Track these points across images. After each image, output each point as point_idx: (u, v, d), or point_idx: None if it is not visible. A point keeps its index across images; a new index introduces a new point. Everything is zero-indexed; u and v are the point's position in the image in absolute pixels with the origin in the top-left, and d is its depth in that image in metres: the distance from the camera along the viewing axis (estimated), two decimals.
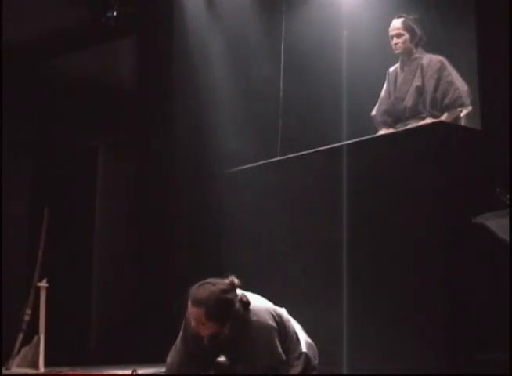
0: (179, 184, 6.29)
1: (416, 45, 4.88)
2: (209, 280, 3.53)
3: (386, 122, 4.97)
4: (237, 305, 3.48)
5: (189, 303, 3.46)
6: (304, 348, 3.58)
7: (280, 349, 3.45)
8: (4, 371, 5.05)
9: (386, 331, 4.04)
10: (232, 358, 3.53)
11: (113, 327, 6.44)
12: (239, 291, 3.56)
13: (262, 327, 3.45)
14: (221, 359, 3.58)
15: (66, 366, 5.23)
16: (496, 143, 4.29)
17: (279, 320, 3.53)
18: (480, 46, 4.65)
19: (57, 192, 6.72)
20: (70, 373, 5.01)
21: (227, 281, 3.51)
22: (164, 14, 6.54)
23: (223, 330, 3.48)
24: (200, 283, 3.52)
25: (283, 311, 3.69)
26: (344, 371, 4.08)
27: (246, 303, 3.50)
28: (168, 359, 3.69)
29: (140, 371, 4.42)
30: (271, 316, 3.50)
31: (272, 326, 3.47)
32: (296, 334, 3.62)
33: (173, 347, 3.69)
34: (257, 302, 3.57)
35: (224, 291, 3.45)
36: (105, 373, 4.91)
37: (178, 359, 3.63)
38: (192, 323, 3.48)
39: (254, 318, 3.47)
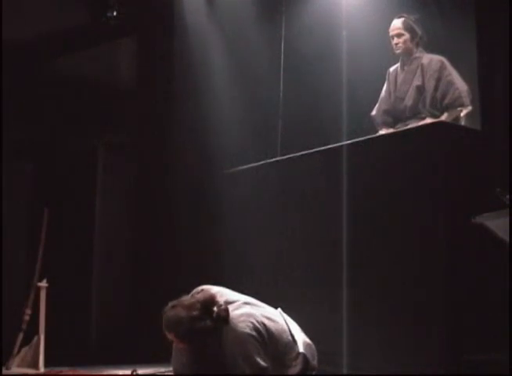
0: (179, 184, 6.29)
1: (417, 45, 4.88)
2: (183, 300, 3.52)
3: (386, 122, 4.97)
4: (210, 325, 3.43)
5: (163, 324, 3.48)
6: (301, 349, 3.55)
7: (258, 357, 3.39)
8: (4, 371, 5.05)
9: (386, 331, 4.04)
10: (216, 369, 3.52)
11: (113, 327, 6.44)
12: (221, 295, 3.56)
13: (237, 336, 3.42)
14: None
15: (66, 366, 5.23)
16: (496, 143, 4.29)
17: (259, 327, 3.46)
18: (480, 46, 4.65)
19: (57, 192, 6.71)
20: (70, 373, 5.01)
21: (201, 303, 3.46)
22: (164, 14, 6.53)
23: (199, 347, 3.49)
24: (172, 304, 3.51)
25: (275, 312, 3.67)
26: (344, 371, 4.08)
27: (224, 317, 3.46)
28: (174, 362, 3.67)
29: (140, 371, 4.43)
30: (249, 324, 3.44)
31: (246, 334, 3.41)
32: (292, 335, 3.60)
33: (173, 350, 3.67)
34: (239, 310, 3.52)
35: (193, 319, 3.42)
36: (105, 373, 4.91)
37: (186, 358, 3.60)
38: (169, 339, 3.52)
39: (230, 329, 3.44)
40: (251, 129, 6.02)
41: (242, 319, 3.47)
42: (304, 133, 5.80)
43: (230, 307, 3.52)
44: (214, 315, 3.46)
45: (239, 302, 3.61)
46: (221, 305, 3.50)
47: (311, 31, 5.96)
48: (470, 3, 4.85)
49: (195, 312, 3.44)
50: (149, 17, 6.66)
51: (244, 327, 3.43)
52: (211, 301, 3.51)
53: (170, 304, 3.52)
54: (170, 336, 3.49)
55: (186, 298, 3.54)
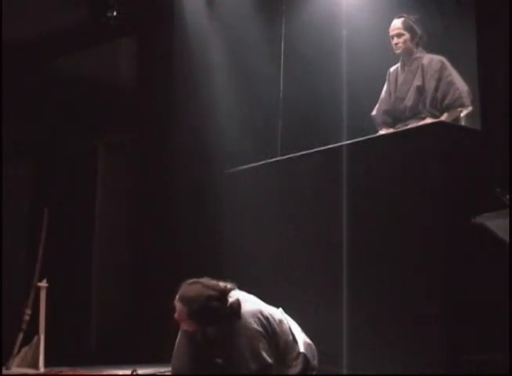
0: (179, 184, 6.29)
1: (417, 45, 4.88)
2: (204, 280, 3.56)
3: (386, 122, 4.97)
4: (223, 311, 3.47)
5: (177, 296, 3.50)
6: (301, 349, 3.57)
7: (264, 353, 3.42)
8: (4, 371, 5.05)
9: (386, 331, 4.04)
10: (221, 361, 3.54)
11: (113, 327, 6.44)
12: (234, 293, 3.57)
13: (245, 331, 3.44)
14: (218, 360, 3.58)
15: (66, 366, 5.23)
16: (496, 143, 4.29)
17: (266, 323, 3.50)
18: (480, 46, 4.64)
19: (57, 192, 6.71)
20: (70, 373, 5.01)
21: (221, 287, 3.52)
22: (164, 14, 6.53)
23: (205, 331, 3.51)
24: (194, 280, 3.56)
25: (277, 312, 3.68)
26: (344, 371, 4.08)
27: (235, 310, 3.50)
28: (175, 361, 3.66)
29: (140, 371, 4.43)
30: (256, 320, 3.48)
31: (255, 329, 3.45)
32: (293, 334, 3.61)
33: (175, 349, 3.67)
34: (246, 306, 3.55)
35: (211, 298, 3.46)
36: (105, 373, 4.91)
37: (188, 357, 3.59)
38: (176, 315, 3.51)
39: (238, 323, 3.46)
40: (251, 129, 6.02)
41: (250, 314, 3.50)
42: (304, 133, 5.80)
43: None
44: (228, 304, 3.49)
45: (245, 299, 3.62)
46: (235, 299, 3.53)
47: (311, 31, 5.95)
48: (470, 3, 4.85)
49: (213, 293, 3.48)
50: (149, 17, 6.66)
51: (251, 322, 3.47)
52: (229, 291, 3.55)
53: (189, 280, 3.55)
54: (181, 312, 3.48)
55: (208, 279, 3.57)
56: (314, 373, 3.62)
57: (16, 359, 5.24)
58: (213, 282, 3.55)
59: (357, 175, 4.34)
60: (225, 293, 3.51)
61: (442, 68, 4.72)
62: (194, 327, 3.52)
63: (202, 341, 3.55)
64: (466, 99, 4.62)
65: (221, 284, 3.55)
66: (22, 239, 6.75)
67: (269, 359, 3.42)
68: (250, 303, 3.59)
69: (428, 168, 4.06)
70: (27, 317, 5.38)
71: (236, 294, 3.59)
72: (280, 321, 3.61)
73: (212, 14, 6.35)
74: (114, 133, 6.96)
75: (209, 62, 6.30)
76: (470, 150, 4.18)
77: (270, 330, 3.51)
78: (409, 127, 4.63)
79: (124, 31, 6.70)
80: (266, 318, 3.53)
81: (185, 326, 3.55)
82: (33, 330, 5.33)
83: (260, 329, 3.46)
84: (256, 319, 3.48)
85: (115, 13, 6.29)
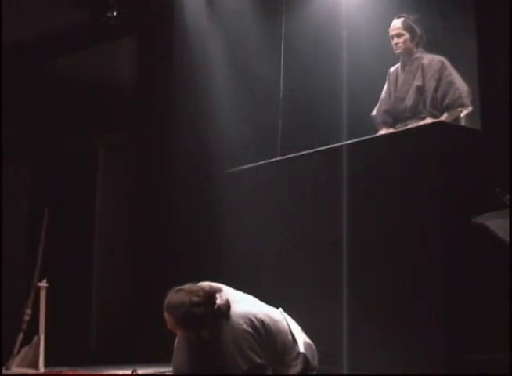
0: (179, 184, 6.29)
1: (417, 45, 4.88)
2: (187, 286, 3.54)
3: (386, 122, 4.97)
4: (209, 314, 3.46)
5: (164, 305, 3.50)
6: (301, 349, 3.55)
7: (253, 354, 3.39)
8: (4, 371, 5.05)
9: (386, 331, 4.04)
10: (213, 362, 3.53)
11: (113, 327, 6.44)
12: (228, 293, 3.57)
13: (233, 332, 3.43)
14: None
15: (66, 366, 5.23)
16: (496, 143, 4.29)
17: (257, 325, 3.47)
18: (480, 46, 4.65)
19: (57, 192, 6.72)
20: (70, 373, 5.01)
21: (204, 290, 3.50)
22: (164, 14, 6.54)
23: (197, 336, 3.51)
24: (177, 288, 3.54)
25: (275, 312, 3.67)
26: (344, 371, 4.08)
27: (224, 311, 3.49)
28: (175, 362, 3.65)
29: (140, 371, 4.43)
30: (247, 321, 3.45)
31: (243, 330, 3.42)
32: (292, 334, 3.59)
33: (175, 350, 3.67)
34: (239, 307, 3.54)
35: (194, 304, 3.44)
36: (105, 373, 4.91)
37: (188, 358, 3.59)
38: (167, 324, 3.52)
39: (227, 324, 3.45)
40: (251, 129, 6.02)
41: (241, 315, 3.48)
42: (304, 133, 5.80)
43: (231, 303, 3.54)
44: (215, 307, 3.49)
45: (240, 299, 3.62)
46: (224, 300, 3.52)
47: (312, 31, 5.96)
48: (470, 3, 4.85)
49: (196, 298, 3.46)
50: (149, 17, 6.67)
51: (242, 323, 3.44)
52: (215, 293, 3.53)
53: (174, 288, 3.55)
54: (169, 320, 3.49)
55: (192, 285, 3.56)
56: (314, 373, 3.61)
57: (16, 359, 5.25)
58: (196, 287, 3.53)
59: (357, 175, 4.34)
60: (209, 296, 3.49)
61: (442, 68, 4.72)
62: (184, 333, 3.53)
63: (198, 343, 3.55)
64: (466, 99, 4.62)
65: (206, 288, 3.53)
66: (22, 239, 6.75)
67: (258, 360, 3.39)
68: (242, 305, 3.57)
69: (428, 168, 4.06)
70: (27, 317, 5.38)
71: (228, 295, 3.58)
72: (278, 321, 3.59)
73: (212, 14, 6.36)
74: (114, 133, 6.96)
75: (209, 62, 6.30)
76: (470, 150, 4.18)
77: (263, 332, 3.47)
78: (409, 127, 4.63)
79: (124, 31, 6.70)
80: (259, 319, 3.49)
81: (177, 332, 3.56)
82: (33, 330, 5.33)
83: (249, 330, 3.43)
84: (246, 321, 3.45)
85: (115, 13, 6.30)
